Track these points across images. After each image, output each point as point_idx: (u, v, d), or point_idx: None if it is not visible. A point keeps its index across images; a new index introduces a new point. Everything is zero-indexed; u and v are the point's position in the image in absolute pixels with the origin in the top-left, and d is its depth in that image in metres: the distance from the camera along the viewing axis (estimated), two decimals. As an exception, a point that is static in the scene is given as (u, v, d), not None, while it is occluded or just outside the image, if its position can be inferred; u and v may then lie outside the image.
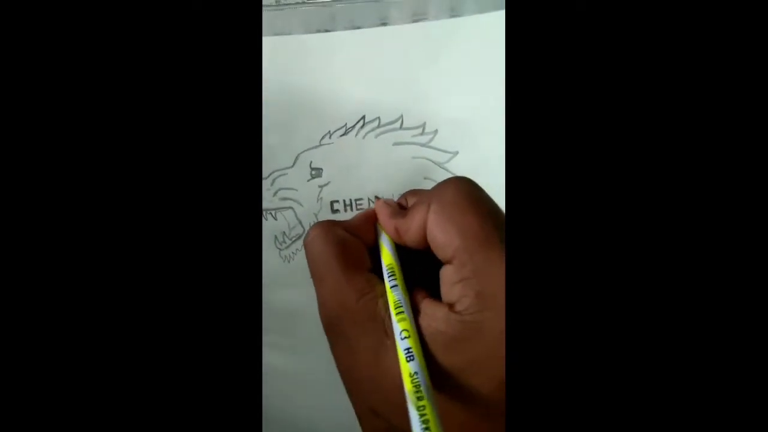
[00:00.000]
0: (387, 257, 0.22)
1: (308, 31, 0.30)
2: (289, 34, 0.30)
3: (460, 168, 0.30)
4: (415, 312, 0.20)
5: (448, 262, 0.19)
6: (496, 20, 0.30)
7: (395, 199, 0.30)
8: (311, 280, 0.30)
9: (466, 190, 0.20)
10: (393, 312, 0.19)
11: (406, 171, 0.30)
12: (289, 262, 0.30)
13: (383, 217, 0.23)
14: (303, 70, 0.30)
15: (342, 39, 0.30)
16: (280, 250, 0.30)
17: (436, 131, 0.31)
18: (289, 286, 0.30)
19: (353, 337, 0.20)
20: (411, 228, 0.21)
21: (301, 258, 0.30)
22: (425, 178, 0.30)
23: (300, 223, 0.30)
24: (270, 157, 0.30)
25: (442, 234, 0.19)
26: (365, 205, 0.30)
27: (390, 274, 0.21)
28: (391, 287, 0.20)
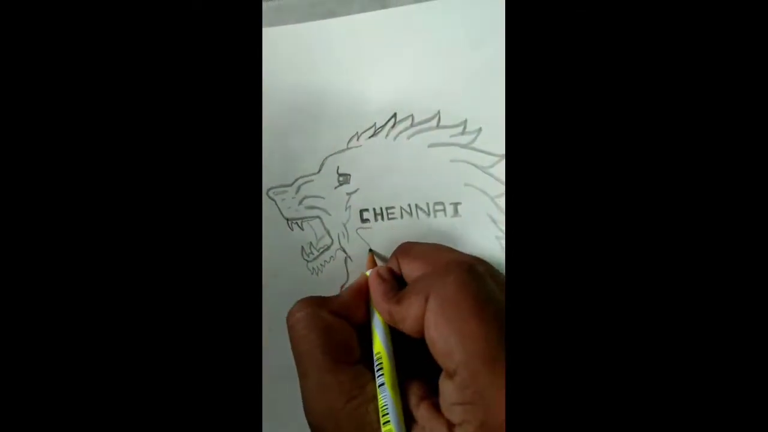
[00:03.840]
0: (377, 344, 0.19)
1: (326, 16, 0.26)
2: (306, 21, 0.26)
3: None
4: (409, 418, 0.17)
5: (448, 374, 0.17)
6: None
7: (430, 206, 0.27)
8: (336, 290, 0.28)
9: (468, 285, 0.17)
10: (381, 418, 0.17)
11: (444, 177, 0.27)
12: (317, 274, 0.28)
13: (377, 297, 0.20)
14: (325, 63, 0.27)
15: (367, 22, 0.26)
16: (307, 261, 0.28)
17: (479, 130, 0.26)
18: (318, 298, 0.29)
19: None
20: (407, 318, 0.18)
21: (330, 269, 0.28)
22: (466, 185, 0.27)
23: (328, 233, 0.28)
24: (294, 163, 0.28)
25: (442, 341, 0.16)
26: (397, 215, 0.27)
27: (378, 367, 0.18)
28: (379, 386, 0.18)
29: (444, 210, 0.27)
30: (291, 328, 0.21)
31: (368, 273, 0.25)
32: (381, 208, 0.28)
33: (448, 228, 0.27)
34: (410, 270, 0.22)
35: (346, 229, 0.28)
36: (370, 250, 0.27)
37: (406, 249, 0.22)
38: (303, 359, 0.20)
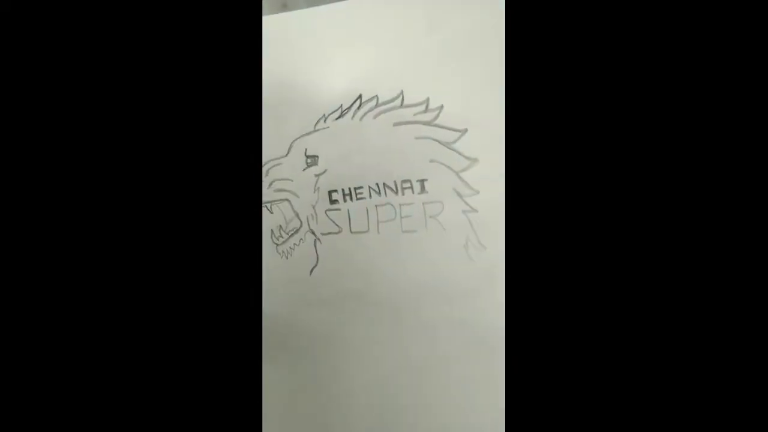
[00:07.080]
0: None
1: (295, 7, 0.28)
2: (273, 12, 0.28)
3: (471, 148, 0.27)
4: None
5: None
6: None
7: (398, 184, 0.28)
8: (312, 275, 0.28)
9: None
10: None
11: (410, 154, 0.27)
12: (287, 257, 0.28)
13: None
14: (292, 49, 0.28)
15: (331, 11, 0.27)
16: (276, 245, 0.28)
17: (441, 107, 0.27)
18: (287, 282, 0.28)
19: None
20: None
21: (299, 253, 0.28)
22: (431, 161, 0.27)
23: (297, 215, 0.28)
24: (263, 147, 0.28)
25: None
26: (366, 194, 0.28)
27: None
28: None
29: (411, 187, 0.28)
30: None
31: None
32: (349, 189, 0.28)
33: (416, 204, 0.27)
34: None
35: (315, 210, 0.28)
36: None
37: None
38: None
